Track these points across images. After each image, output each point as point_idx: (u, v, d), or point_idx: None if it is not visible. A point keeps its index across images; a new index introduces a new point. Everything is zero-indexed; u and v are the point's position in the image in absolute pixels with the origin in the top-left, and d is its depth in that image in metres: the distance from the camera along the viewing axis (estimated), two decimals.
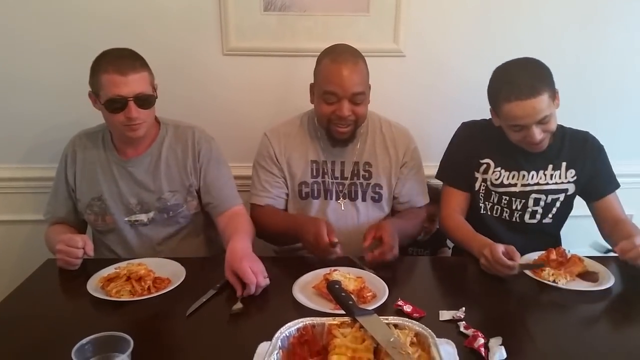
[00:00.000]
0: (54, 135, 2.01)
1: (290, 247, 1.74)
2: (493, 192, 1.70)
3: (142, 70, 1.52)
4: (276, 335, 0.99)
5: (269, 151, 1.74)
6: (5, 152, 2.11)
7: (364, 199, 1.74)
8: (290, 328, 1.01)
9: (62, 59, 1.98)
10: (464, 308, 1.23)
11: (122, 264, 1.41)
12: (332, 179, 1.73)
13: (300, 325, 1.03)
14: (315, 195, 1.73)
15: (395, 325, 1.02)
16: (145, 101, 1.52)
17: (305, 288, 1.35)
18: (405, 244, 1.75)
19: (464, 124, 1.77)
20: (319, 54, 1.66)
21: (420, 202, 1.81)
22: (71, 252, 1.41)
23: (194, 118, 1.80)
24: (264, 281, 1.32)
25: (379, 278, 1.38)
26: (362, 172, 1.74)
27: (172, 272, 1.42)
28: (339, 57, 1.58)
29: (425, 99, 2.10)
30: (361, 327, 1.01)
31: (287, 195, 1.76)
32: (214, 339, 1.17)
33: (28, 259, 1.62)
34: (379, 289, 1.33)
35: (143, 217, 1.66)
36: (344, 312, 1.09)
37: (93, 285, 1.34)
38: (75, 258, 1.42)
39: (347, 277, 1.34)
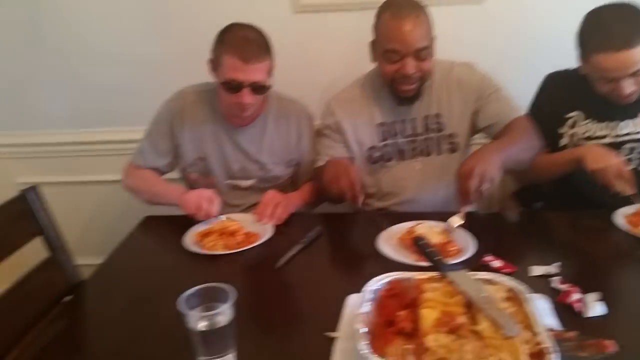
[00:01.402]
0: (139, 101, 2.06)
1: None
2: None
3: (265, 59, 1.52)
4: (366, 289, 1.01)
5: (329, 119, 1.71)
6: (104, 117, 2.25)
7: (439, 153, 1.69)
8: (379, 281, 1.04)
9: (144, 29, 2.06)
10: (559, 263, 1.19)
11: (213, 220, 1.48)
12: (403, 138, 1.68)
13: (390, 279, 1.05)
14: (387, 158, 1.70)
15: (488, 281, 1.02)
16: (260, 89, 1.55)
17: (389, 240, 1.36)
18: (527, 158, 1.55)
19: (548, 76, 1.67)
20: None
21: (509, 116, 1.63)
22: (203, 213, 1.48)
23: None
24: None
25: (466, 232, 1.35)
26: (433, 125, 1.67)
27: (261, 228, 1.48)
28: (399, 12, 1.49)
29: (506, 49, 1.97)
30: (451, 282, 1.02)
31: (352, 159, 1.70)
32: (303, 290, 1.22)
33: (123, 217, 1.73)
34: (464, 243, 1.31)
35: (243, 183, 1.73)
36: (428, 265, 1.09)
37: (189, 241, 1.42)
38: (205, 217, 1.49)
39: (433, 229, 1.33)
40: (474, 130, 1.70)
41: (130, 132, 2.14)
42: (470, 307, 0.96)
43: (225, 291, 0.95)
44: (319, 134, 1.75)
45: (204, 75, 1.64)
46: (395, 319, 0.99)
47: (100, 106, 2.24)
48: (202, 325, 0.94)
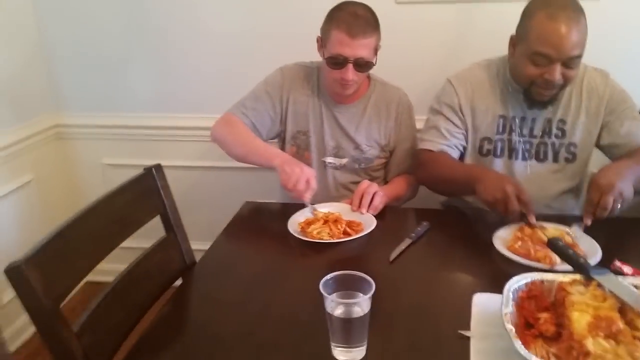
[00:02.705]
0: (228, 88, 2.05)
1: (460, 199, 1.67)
2: None
3: (372, 35, 1.51)
4: (507, 288, 0.97)
5: (452, 100, 1.61)
6: (191, 103, 2.27)
7: (555, 160, 1.59)
8: (519, 282, 0.99)
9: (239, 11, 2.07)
10: None
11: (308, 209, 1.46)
12: (519, 136, 1.58)
13: (529, 280, 1.00)
14: (499, 153, 1.60)
15: (636, 287, 0.95)
16: (364, 66, 1.54)
17: (503, 239, 1.31)
18: None
19: None
20: None
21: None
22: (297, 194, 1.44)
23: None
24: None
25: (589, 237, 1.28)
26: (554, 131, 1.57)
27: (360, 218, 1.44)
28: (558, 14, 1.35)
29: (624, 50, 1.87)
30: (599, 285, 0.96)
31: (464, 148, 1.64)
32: (423, 286, 1.18)
33: (224, 202, 1.76)
34: (590, 249, 1.24)
35: (336, 162, 1.72)
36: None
37: (292, 228, 1.40)
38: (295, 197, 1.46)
39: (558, 231, 1.28)
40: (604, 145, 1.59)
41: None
42: (623, 312, 0.90)
43: (367, 281, 0.92)
44: (431, 110, 1.67)
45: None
46: (535, 321, 0.95)
47: (188, 91, 2.26)
48: (338, 312, 0.91)
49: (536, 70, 1.41)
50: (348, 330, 0.92)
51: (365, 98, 1.70)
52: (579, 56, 1.39)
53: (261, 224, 1.55)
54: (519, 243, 1.25)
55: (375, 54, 1.57)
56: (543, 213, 1.40)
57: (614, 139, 1.54)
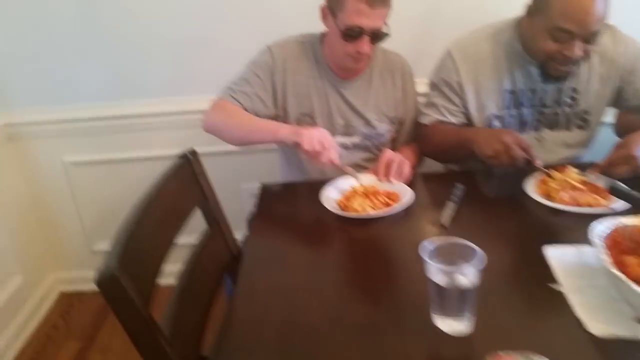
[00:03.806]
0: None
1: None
2: None
3: (388, 5, 1.41)
4: (594, 236, 0.97)
5: (451, 77, 1.56)
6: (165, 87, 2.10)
7: (567, 128, 1.58)
8: (601, 229, 0.99)
9: None
10: None
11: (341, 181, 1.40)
12: (529, 107, 1.56)
13: (612, 225, 1.01)
14: (509, 128, 1.57)
15: None
16: (379, 37, 1.45)
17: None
18: None
19: None
20: None
21: None
22: (326, 155, 1.32)
23: None
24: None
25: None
26: (566, 99, 1.54)
27: (393, 187, 1.40)
28: None
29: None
30: None
31: (461, 125, 1.61)
32: (488, 247, 1.14)
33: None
34: None
35: (347, 141, 1.63)
36: None
37: (331, 205, 1.33)
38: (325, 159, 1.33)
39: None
40: (615, 106, 1.61)
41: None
42: None
43: (474, 251, 0.88)
44: (431, 86, 1.64)
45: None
46: (623, 267, 0.95)
47: (152, 74, 2.08)
48: (440, 280, 0.87)
49: (555, 45, 1.36)
50: (449, 298, 0.88)
51: (369, 69, 1.61)
52: (600, 31, 1.34)
53: (289, 205, 1.46)
54: (562, 193, 1.26)
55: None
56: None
57: (631, 97, 1.53)
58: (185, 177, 1.13)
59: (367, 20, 1.38)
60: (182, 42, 2.01)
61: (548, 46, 1.37)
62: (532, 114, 1.57)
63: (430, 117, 1.61)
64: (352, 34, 1.41)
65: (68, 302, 2.39)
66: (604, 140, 1.59)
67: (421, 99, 1.70)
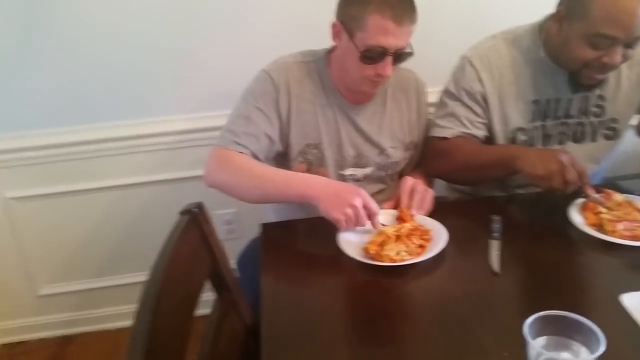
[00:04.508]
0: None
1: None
2: None
3: (415, 20, 1.21)
4: None
5: (473, 86, 1.40)
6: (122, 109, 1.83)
7: (593, 139, 1.45)
8: None
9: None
10: None
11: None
12: (553, 119, 1.42)
13: None
14: (533, 142, 1.44)
15: None
16: (403, 58, 1.25)
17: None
18: None
19: None
20: None
21: None
22: (361, 217, 1.14)
23: None
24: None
25: None
26: (592, 108, 1.43)
27: (422, 222, 1.22)
28: None
29: None
30: None
31: (487, 140, 1.46)
32: (554, 296, 0.99)
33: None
34: None
35: (358, 172, 1.43)
36: None
37: (357, 252, 1.13)
38: (359, 224, 1.16)
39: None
40: None
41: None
42: None
43: (589, 329, 0.71)
44: (447, 93, 1.46)
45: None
46: None
47: (107, 94, 1.81)
48: None
49: (594, 53, 1.23)
50: None
51: (383, 90, 1.41)
52: None
53: (301, 253, 1.22)
54: (619, 225, 1.12)
55: None
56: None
57: None
58: (193, 242, 0.89)
59: (393, 39, 1.18)
60: (146, 57, 1.77)
61: (585, 53, 1.24)
62: (555, 127, 1.44)
63: (451, 129, 1.43)
64: (373, 56, 1.21)
65: (10, 354, 2.11)
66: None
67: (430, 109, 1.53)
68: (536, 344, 0.72)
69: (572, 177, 1.17)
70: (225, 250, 1.13)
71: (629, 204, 1.22)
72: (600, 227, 1.15)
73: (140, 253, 1.86)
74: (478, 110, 1.42)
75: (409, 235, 1.15)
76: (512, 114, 1.41)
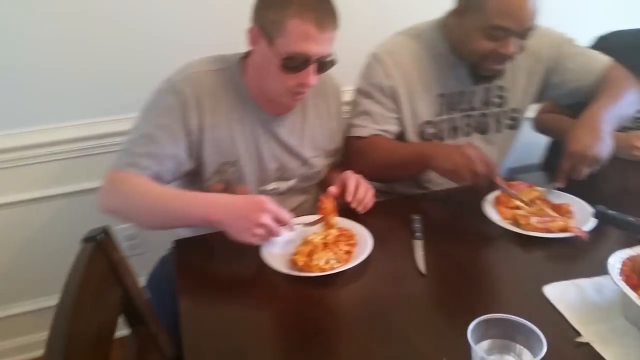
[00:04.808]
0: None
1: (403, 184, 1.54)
2: None
3: (338, 25, 1.14)
4: (611, 270, 0.90)
5: (382, 81, 1.41)
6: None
7: (498, 130, 1.51)
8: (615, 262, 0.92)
9: None
10: None
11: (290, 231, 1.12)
12: (459, 112, 1.46)
13: (623, 257, 0.93)
14: (445, 135, 1.48)
15: None
16: (327, 66, 1.18)
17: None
18: (632, 111, 1.43)
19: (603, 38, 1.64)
20: None
21: (597, 70, 1.43)
22: (274, 231, 1.05)
23: None
24: None
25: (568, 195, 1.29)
26: (494, 99, 1.48)
27: (342, 224, 1.20)
28: None
29: None
30: None
31: (400, 135, 1.47)
32: (482, 295, 1.01)
33: None
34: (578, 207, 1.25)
35: (281, 186, 1.35)
36: None
37: (285, 265, 1.07)
38: (273, 236, 1.07)
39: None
40: (539, 100, 1.57)
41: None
42: None
43: (534, 333, 0.71)
44: (359, 92, 1.45)
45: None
46: None
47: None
48: None
49: (491, 44, 1.28)
50: None
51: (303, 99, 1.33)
52: (534, 26, 1.28)
53: (220, 268, 1.13)
54: (533, 219, 1.17)
55: None
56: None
57: (568, 86, 1.48)
58: (100, 273, 0.77)
59: (315, 46, 1.11)
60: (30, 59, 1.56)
61: (483, 45, 1.29)
62: (461, 119, 1.49)
63: (366, 128, 1.43)
64: (295, 64, 1.13)
65: None
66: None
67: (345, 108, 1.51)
68: (479, 349, 0.71)
69: (480, 169, 1.22)
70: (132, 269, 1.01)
71: (541, 199, 1.28)
72: (515, 222, 1.19)
73: (40, 278, 1.74)
74: (390, 105, 1.43)
75: (335, 242, 1.11)
76: (420, 108, 1.43)
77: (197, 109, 1.20)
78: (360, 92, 1.46)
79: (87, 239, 0.79)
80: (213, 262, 1.14)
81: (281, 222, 1.06)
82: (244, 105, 1.25)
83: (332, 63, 1.19)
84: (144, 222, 1.15)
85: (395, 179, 1.53)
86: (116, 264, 0.81)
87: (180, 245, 1.19)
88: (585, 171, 1.24)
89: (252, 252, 1.10)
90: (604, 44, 1.59)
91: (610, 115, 1.28)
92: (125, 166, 1.15)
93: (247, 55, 1.26)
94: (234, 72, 1.25)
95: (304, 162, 1.36)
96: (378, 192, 1.37)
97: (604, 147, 1.23)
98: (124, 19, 1.61)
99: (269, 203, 1.05)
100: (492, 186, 1.29)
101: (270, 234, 1.05)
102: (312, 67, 1.14)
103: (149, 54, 1.66)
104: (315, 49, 1.11)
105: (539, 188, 1.32)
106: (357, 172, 1.46)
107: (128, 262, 0.89)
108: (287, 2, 1.09)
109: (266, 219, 1.02)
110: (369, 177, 1.51)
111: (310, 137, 1.36)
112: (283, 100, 1.23)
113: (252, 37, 1.17)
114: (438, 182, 1.47)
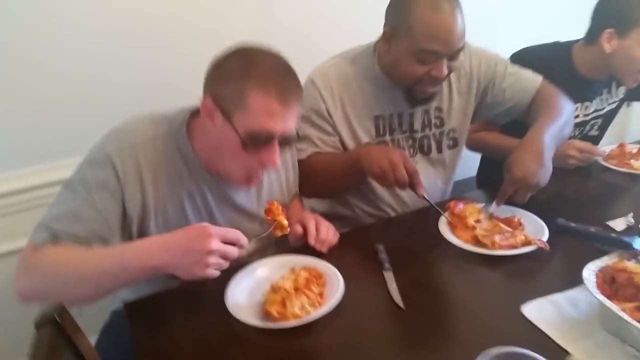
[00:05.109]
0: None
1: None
2: None
3: (301, 99, 1.07)
4: (587, 282, 0.92)
5: (318, 105, 1.40)
6: None
7: (439, 150, 1.52)
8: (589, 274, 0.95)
9: None
10: None
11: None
12: (400, 133, 1.47)
13: (596, 269, 0.97)
14: None
15: None
16: (290, 143, 1.12)
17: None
18: (569, 132, 1.49)
19: (519, 55, 1.70)
20: None
21: (531, 89, 1.50)
22: (229, 253, 0.95)
23: None
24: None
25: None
26: (433, 120, 1.50)
27: (310, 263, 1.14)
28: (441, 3, 1.23)
29: None
30: None
31: None
32: (464, 324, 0.99)
33: None
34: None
35: (242, 252, 1.19)
36: None
37: (258, 318, 0.98)
38: (229, 260, 0.96)
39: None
40: (475, 120, 1.58)
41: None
42: None
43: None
44: (301, 118, 1.40)
45: None
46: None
47: None
48: None
49: (423, 68, 1.29)
50: None
51: None
52: (463, 47, 1.30)
53: (184, 328, 1.00)
54: (496, 237, 1.18)
55: None
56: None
57: (502, 106, 1.52)
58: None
59: (282, 123, 1.02)
60: None
61: (415, 69, 1.30)
62: (404, 140, 1.49)
63: (305, 151, 1.42)
64: (257, 142, 1.03)
65: None
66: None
67: None
68: None
69: (401, 175, 1.22)
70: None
71: (491, 220, 1.28)
72: (476, 242, 1.20)
73: None
74: (328, 128, 1.42)
75: (307, 285, 1.04)
76: (359, 130, 1.44)
77: (138, 184, 1.06)
78: (302, 117, 1.42)
79: (40, 324, 0.65)
80: (173, 324, 1.02)
81: (231, 243, 0.96)
82: (193, 175, 1.13)
83: (294, 138, 1.13)
84: (74, 295, 0.98)
85: (343, 189, 1.51)
86: (84, 351, 0.67)
87: (132, 309, 1.05)
88: (527, 196, 1.28)
89: (217, 304, 1.00)
90: (518, 60, 1.67)
91: (551, 139, 1.31)
92: (44, 238, 0.99)
93: (192, 115, 1.13)
94: (179, 137, 1.11)
95: (262, 221, 1.22)
96: (336, 221, 1.33)
97: (547, 173, 1.26)
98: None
99: (211, 227, 0.94)
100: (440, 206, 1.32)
101: (225, 257, 0.94)
102: (276, 145, 1.04)
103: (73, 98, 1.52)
104: (280, 126, 1.02)
105: (478, 205, 1.34)
106: (309, 193, 1.48)
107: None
108: (245, 74, 1.00)
109: (215, 244, 0.92)
110: (320, 196, 1.53)
111: (267, 195, 1.27)
112: (241, 183, 1.13)
113: (205, 111, 1.05)
114: (393, 205, 1.49)
